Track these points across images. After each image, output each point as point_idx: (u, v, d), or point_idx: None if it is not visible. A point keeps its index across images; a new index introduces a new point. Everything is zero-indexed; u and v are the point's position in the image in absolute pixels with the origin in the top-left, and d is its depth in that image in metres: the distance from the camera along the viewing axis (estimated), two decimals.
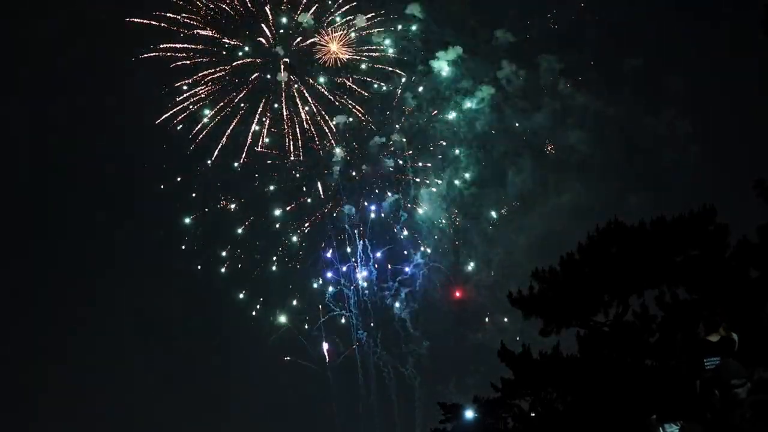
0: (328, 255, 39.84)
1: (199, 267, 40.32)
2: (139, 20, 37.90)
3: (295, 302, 40.19)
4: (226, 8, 38.77)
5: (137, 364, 41.07)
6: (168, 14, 38.18)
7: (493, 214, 40.27)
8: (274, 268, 39.91)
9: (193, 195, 40.14)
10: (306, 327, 39.85)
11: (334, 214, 39.69)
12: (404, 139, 39.46)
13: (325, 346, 39.98)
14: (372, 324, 40.24)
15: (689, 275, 17.86)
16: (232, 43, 38.78)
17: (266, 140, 39.16)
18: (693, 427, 6.68)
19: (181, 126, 38.66)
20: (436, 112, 39.47)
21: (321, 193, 39.76)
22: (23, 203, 42.13)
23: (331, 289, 40.03)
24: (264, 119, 39.02)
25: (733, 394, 6.40)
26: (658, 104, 39.30)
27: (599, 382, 18.03)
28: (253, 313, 40.01)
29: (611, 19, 38.54)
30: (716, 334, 7.28)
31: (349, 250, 39.68)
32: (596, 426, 17.52)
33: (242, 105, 38.98)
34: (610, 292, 18.92)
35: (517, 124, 39.68)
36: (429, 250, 40.16)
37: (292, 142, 39.08)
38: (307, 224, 39.96)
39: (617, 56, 38.94)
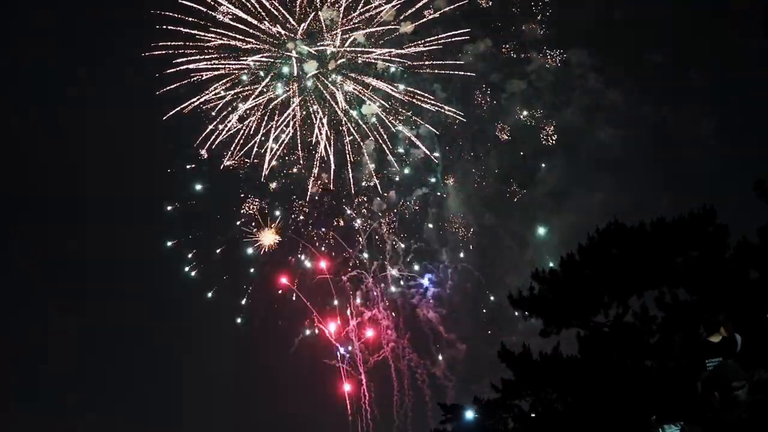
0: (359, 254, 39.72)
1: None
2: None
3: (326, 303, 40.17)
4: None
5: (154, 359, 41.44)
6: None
7: (523, 211, 39.86)
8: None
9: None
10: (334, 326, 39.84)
11: (363, 210, 39.49)
12: (434, 131, 38.95)
13: (357, 346, 39.93)
14: (402, 325, 40.17)
15: (689, 276, 17.87)
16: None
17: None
18: (693, 428, 6.69)
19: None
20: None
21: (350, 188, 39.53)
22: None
23: (362, 288, 39.98)
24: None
25: (733, 396, 6.41)
26: (683, 101, 38.66)
27: (599, 383, 18.03)
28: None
29: (637, 13, 38.05)
30: (718, 335, 7.29)
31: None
32: (596, 427, 17.53)
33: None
34: (611, 293, 18.92)
35: (546, 120, 39.26)
36: (459, 251, 39.90)
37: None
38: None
39: (643, 52, 38.34)
